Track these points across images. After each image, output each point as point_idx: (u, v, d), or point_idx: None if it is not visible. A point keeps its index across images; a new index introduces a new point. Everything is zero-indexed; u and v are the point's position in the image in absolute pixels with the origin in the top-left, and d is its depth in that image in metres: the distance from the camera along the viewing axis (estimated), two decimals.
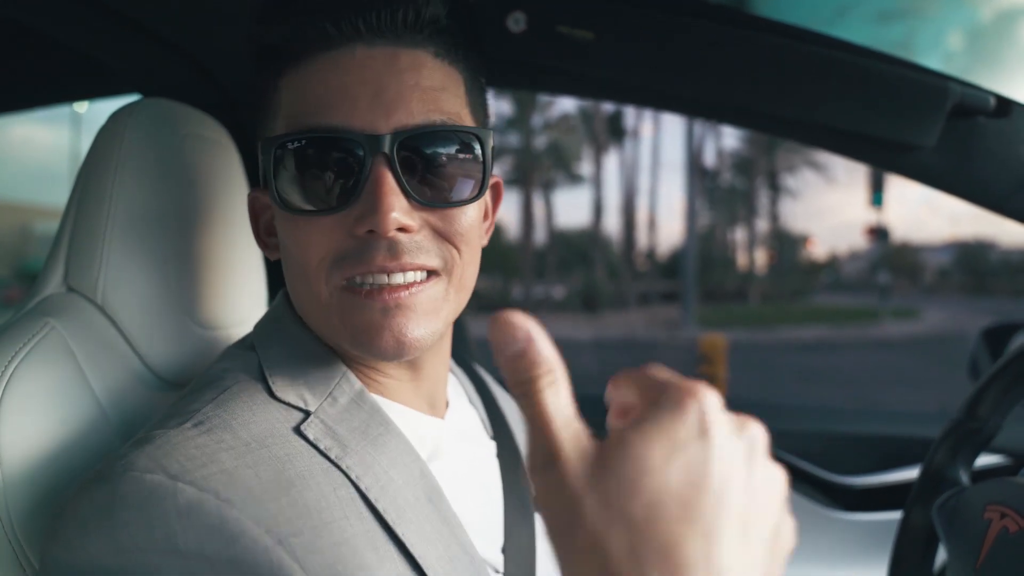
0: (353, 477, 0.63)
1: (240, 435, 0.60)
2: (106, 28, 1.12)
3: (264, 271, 1.02)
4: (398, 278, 0.64)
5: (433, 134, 0.64)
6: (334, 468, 0.62)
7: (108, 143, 0.80)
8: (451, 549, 0.65)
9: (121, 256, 0.79)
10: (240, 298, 0.95)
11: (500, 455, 0.86)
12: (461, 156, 0.65)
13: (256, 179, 0.78)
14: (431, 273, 0.67)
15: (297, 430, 0.63)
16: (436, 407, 0.79)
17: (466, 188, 0.66)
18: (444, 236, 0.67)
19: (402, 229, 0.63)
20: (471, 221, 0.68)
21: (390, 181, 0.61)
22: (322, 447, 0.63)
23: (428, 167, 0.64)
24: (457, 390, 0.91)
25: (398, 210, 0.62)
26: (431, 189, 0.65)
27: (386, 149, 0.61)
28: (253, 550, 0.53)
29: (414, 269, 0.65)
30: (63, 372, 0.71)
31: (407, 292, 0.65)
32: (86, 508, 0.54)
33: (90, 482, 0.56)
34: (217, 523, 0.53)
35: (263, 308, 1.03)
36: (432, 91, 0.65)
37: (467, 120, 0.69)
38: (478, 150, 0.66)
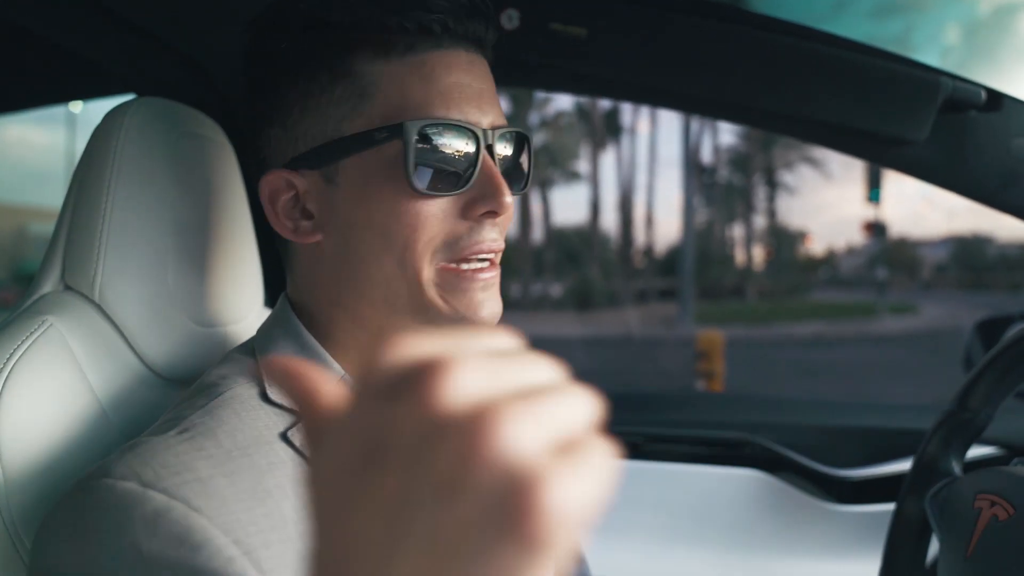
0: None
1: (223, 443, 0.60)
2: (100, 28, 1.13)
3: (260, 267, 1.03)
4: (490, 257, 0.73)
5: (513, 134, 0.75)
6: None
7: (104, 142, 0.81)
8: None
9: (118, 254, 0.79)
10: (237, 295, 0.95)
11: None
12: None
13: (251, 175, 0.79)
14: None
15: (284, 436, 0.64)
16: None
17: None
18: (502, 224, 0.75)
19: None
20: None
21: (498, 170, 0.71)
22: None
23: (508, 161, 0.75)
24: None
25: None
26: (509, 180, 0.73)
27: (491, 142, 0.70)
28: (217, 559, 0.53)
29: (500, 251, 0.74)
30: (61, 369, 0.71)
31: (493, 273, 0.73)
32: (62, 514, 0.55)
33: (71, 489, 0.57)
34: (183, 531, 0.53)
35: (260, 304, 1.03)
36: (498, 101, 0.75)
37: None
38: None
